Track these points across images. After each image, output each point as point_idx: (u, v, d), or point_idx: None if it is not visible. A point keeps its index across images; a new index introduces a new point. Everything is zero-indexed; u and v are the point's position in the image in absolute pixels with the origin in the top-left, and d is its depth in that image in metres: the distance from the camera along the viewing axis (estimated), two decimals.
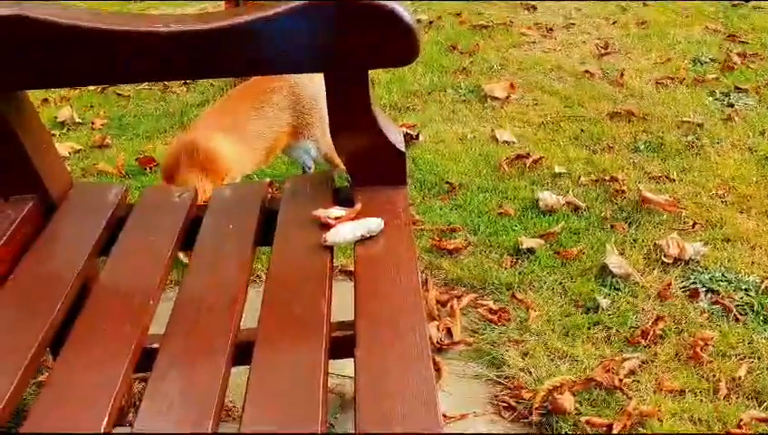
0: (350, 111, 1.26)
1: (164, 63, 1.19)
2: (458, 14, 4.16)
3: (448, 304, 1.97)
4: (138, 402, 1.64)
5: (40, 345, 1.02)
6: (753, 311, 1.88)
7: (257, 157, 2.17)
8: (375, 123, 1.26)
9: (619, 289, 1.97)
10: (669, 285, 1.97)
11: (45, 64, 1.18)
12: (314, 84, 2.15)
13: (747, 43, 3.55)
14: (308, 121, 2.19)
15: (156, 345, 1.02)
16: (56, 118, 3.19)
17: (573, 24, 3.95)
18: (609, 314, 1.89)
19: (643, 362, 1.74)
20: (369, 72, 1.23)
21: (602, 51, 3.58)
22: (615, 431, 1.54)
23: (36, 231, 1.26)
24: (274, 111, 2.16)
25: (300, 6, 1.12)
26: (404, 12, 1.12)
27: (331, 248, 1.18)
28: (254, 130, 2.13)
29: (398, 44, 1.14)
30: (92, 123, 3.17)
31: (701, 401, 1.63)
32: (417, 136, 2.83)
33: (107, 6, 4.64)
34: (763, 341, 1.78)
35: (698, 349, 1.74)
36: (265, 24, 1.13)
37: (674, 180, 2.47)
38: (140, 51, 1.16)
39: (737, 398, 1.63)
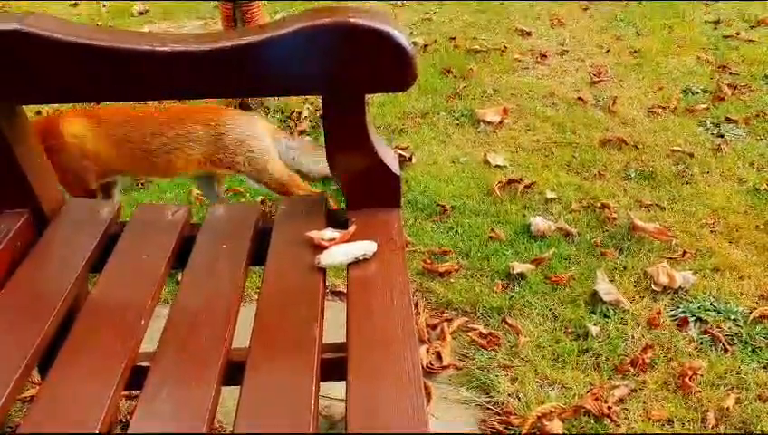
0: (347, 134, 1.26)
1: (161, 83, 1.18)
2: (453, 39, 4.19)
3: (438, 328, 1.97)
4: (124, 420, 1.64)
5: (30, 360, 1.01)
6: (741, 341, 1.89)
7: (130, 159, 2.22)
8: (371, 146, 1.26)
9: (608, 316, 1.98)
10: (659, 313, 1.97)
11: (43, 80, 1.17)
12: (241, 129, 2.24)
13: (737, 74, 3.59)
14: (233, 159, 2.22)
15: (146, 363, 1.02)
16: None
17: (567, 51, 3.98)
18: (599, 342, 1.89)
19: (632, 391, 1.74)
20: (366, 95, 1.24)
21: (595, 78, 3.61)
22: None
23: (28, 246, 1.26)
24: (189, 138, 2.20)
25: (299, 29, 1.12)
26: (402, 37, 1.13)
27: (323, 270, 1.19)
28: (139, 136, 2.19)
29: (395, 70, 1.15)
30: None
31: (689, 430, 1.63)
32: (411, 158, 2.84)
33: (107, 17, 4.65)
34: (752, 371, 1.79)
35: (687, 378, 1.74)
36: (265, 45, 1.13)
37: (664, 209, 2.49)
38: (138, 69, 1.16)
39: (725, 428, 1.64)
